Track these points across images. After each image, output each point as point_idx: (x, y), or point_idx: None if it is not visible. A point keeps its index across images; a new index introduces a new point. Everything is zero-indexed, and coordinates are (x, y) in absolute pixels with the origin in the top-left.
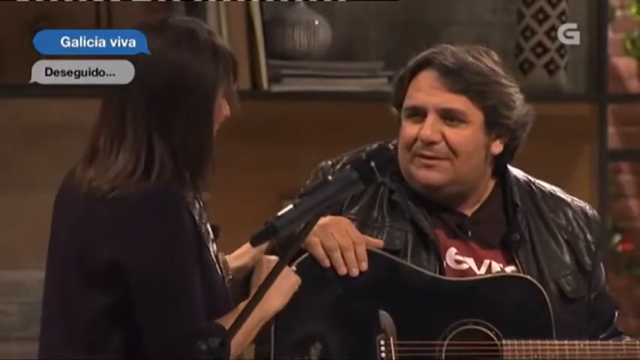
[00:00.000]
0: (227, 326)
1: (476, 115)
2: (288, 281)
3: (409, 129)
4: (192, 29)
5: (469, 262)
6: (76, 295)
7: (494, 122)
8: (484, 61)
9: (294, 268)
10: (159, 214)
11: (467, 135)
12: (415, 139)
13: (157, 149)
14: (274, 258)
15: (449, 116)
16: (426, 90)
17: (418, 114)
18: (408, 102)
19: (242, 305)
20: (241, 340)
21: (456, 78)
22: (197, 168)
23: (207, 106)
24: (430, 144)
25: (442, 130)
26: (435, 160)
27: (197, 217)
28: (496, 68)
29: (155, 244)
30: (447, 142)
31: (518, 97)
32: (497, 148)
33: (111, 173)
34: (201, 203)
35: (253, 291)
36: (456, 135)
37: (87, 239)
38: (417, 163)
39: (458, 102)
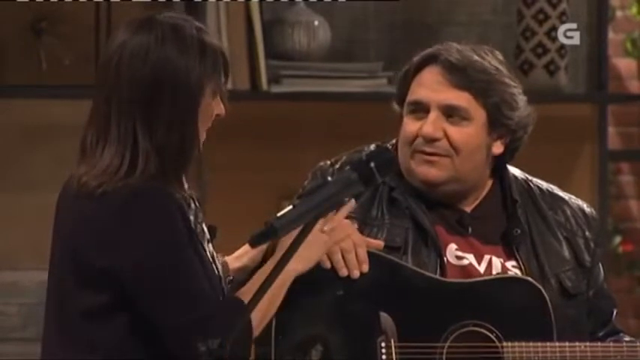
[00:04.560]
0: (246, 297)
1: (479, 113)
2: (311, 250)
3: (411, 125)
4: (178, 25)
5: (469, 258)
6: (70, 294)
7: (497, 122)
8: (489, 59)
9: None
10: (146, 209)
11: (469, 133)
12: (416, 136)
13: (141, 144)
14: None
15: (451, 113)
16: (430, 85)
17: (420, 110)
18: (411, 97)
19: (261, 272)
20: (264, 307)
21: (460, 74)
22: (179, 164)
23: (191, 102)
24: (432, 141)
25: (444, 127)
26: (435, 156)
27: (192, 217)
28: (500, 67)
29: (145, 239)
30: (448, 140)
31: (521, 98)
32: (497, 148)
33: (97, 169)
34: (197, 203)
35: (278, 255)
36: (458, 132)
37: (79, 238)
38: (418, 159)
39: (461, 99)
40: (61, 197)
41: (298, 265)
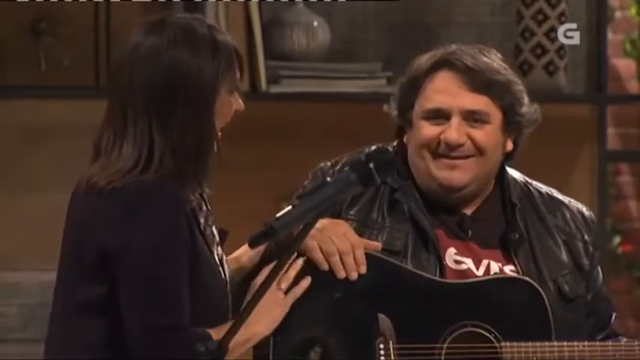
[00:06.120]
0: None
1: (496, 114)
2: (278, 309)
3: (429, 130)
4: (190, 25)
5: (468, 263)
6: (73, 288)
7: (511, 120)
8: (495, 59)
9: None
10: (151, 205)
11: (490, 133)
12: (437, 140)
13: (157, 146)
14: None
15: (473, 118)
16: (449, 91)
17: (440, 116)
18: (429, 104)
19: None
20: None
21: (478, 78)
22: (197, 163)
23: (206, 101)
24: (457, 146)
25: (467, 132)
26: (459, 159)
27: (202, 220)
28: (506, 66)
29: (144, 235)
30: (473, 142)
31: (526, 94)
32: (509, 146)
33: (110, 170)
34: (208, 206)
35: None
36: (481, 134)
37: (83, 232)
38: (440, 164)
39: (480, 102)
40: (72, 198)
41: (264, 329)
